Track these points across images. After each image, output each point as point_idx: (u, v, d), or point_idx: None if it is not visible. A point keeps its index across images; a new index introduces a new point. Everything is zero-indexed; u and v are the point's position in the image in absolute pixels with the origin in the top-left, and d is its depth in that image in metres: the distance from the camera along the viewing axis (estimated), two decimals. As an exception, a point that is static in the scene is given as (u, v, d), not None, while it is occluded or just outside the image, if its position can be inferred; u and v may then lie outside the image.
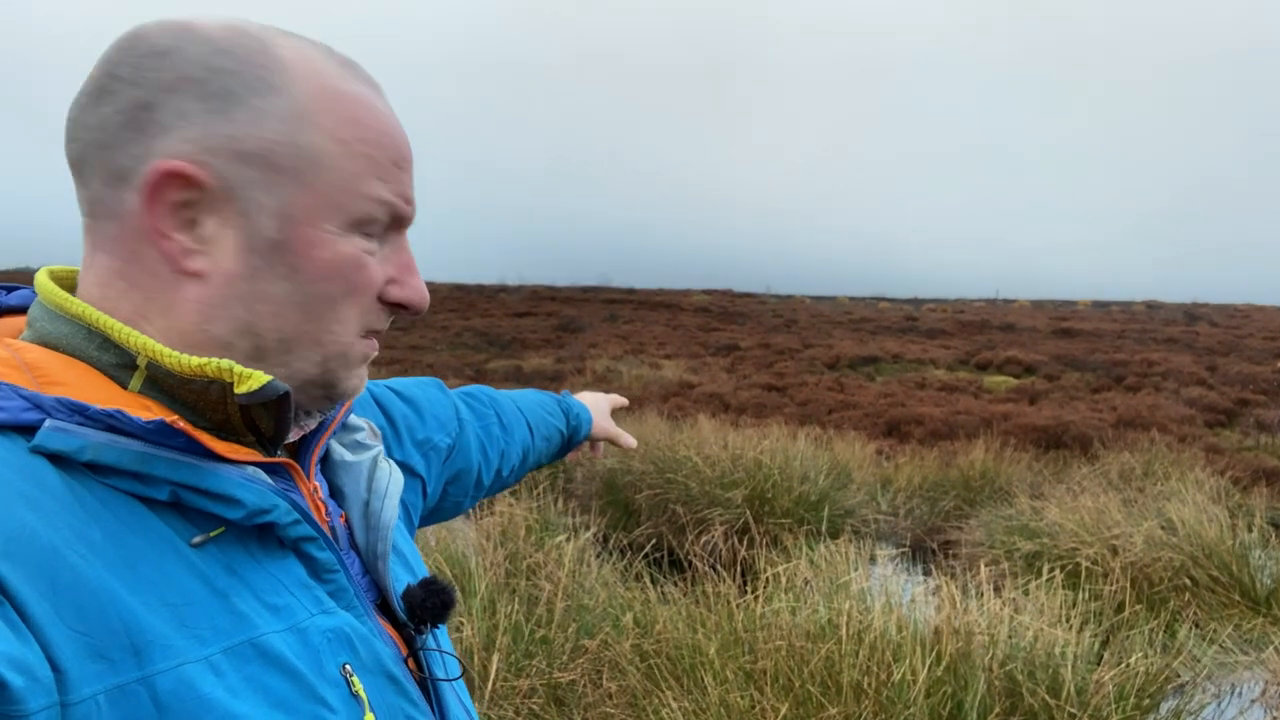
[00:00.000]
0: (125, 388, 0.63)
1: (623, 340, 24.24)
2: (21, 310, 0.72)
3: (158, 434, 0.59)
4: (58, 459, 0.57)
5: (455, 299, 36.96)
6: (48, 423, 0.57)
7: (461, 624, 3.60)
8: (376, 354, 0.74)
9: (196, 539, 0.61)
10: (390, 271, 0.71)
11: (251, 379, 0.62)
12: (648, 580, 4.14)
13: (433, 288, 42.47)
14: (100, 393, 0.62)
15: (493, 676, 3.31)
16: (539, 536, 4.61)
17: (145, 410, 0.61)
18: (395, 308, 0.72)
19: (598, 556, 4.67)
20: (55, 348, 0.64)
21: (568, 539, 4.40)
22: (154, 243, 0.64)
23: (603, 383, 15.64)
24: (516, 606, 3.79)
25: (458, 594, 0.80)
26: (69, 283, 0.69)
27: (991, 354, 20.97)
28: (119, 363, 0.64)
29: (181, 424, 0.59)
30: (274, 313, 0.66)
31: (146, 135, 0.63)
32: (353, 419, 0.84)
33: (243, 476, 0.63)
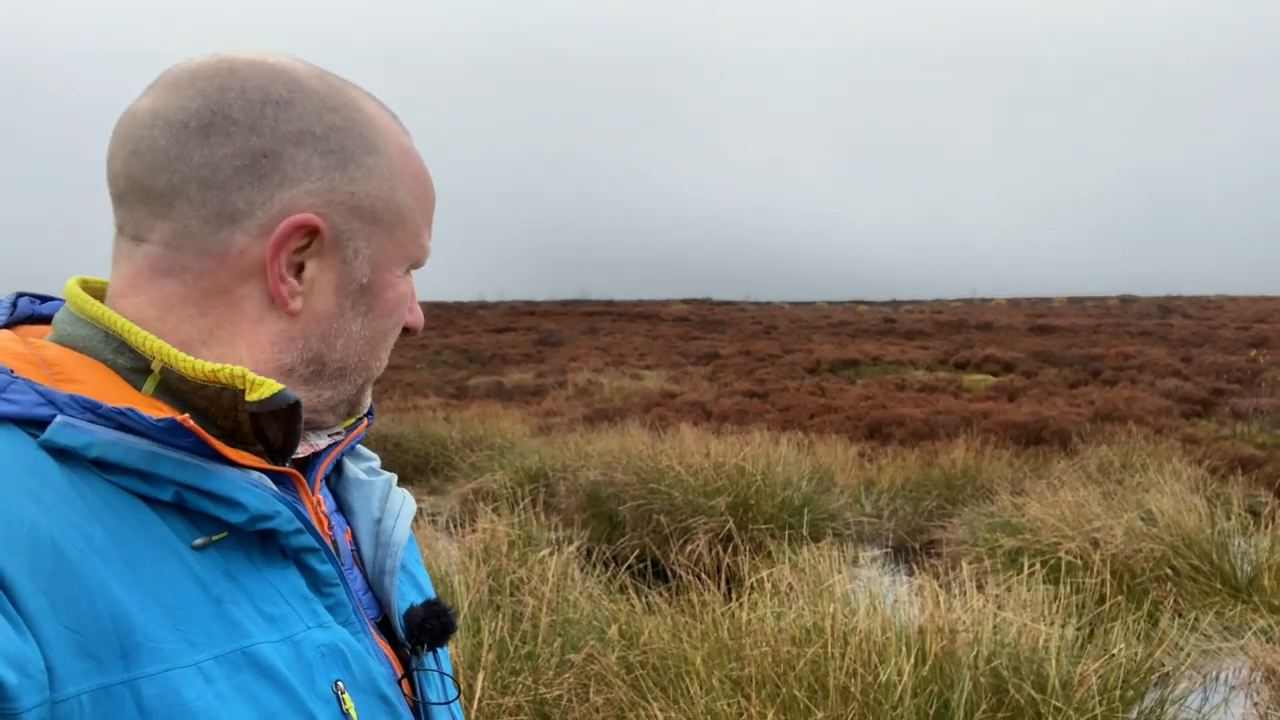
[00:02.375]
0: (139, 391, 0.64)
1: (603, 352, 24.23)
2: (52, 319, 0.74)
3: (167, 432, 0.60)
4: (64, 456, 0.58)
5: (434, 317, 36.83)
6: (58, 418, 0.58)
7: (445, 643, 3.56)
8: None
9: (198, 541, 0.61)
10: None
11: (263, 386, 0.63)
12: (632, 592, 4.13)
13: (411, 306, 42.25)
14: (114, 392, 0.63)
15: (478, 695, 3.28)
16: (522, 552, 4.58)
17: (156, 411, 0.62)
18: (404, 331, 0.79)
19: (582, 570, 4.65)
20: (74, 349, 0.65)
21: (551, 553, 4.38)
22: (262, 283, 0.67)
23: (584, 395, 15.61)
24: (501, 623, 3.77)
25: (457, 617, 0.81)
26: (98, 293, 0.71)
27: (970, 353, 21.12)
28: (133, 366, 0.65)
29: (191, 423, 0.60)
30: (345, 345, 0.72)
31: (268, 183, 0.66)
32: (365, 450, 0.86)
33: (247, 481, 0.63)
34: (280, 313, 0.68)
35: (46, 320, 0.72)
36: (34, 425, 0.58)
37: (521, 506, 5.50)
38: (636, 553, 5.78)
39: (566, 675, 3.57)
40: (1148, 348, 21.01)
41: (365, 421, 0.84)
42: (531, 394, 16.40)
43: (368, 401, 0.79)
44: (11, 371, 0.60)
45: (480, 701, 3.29)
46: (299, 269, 0.68)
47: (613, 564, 4.92)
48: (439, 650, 0.80)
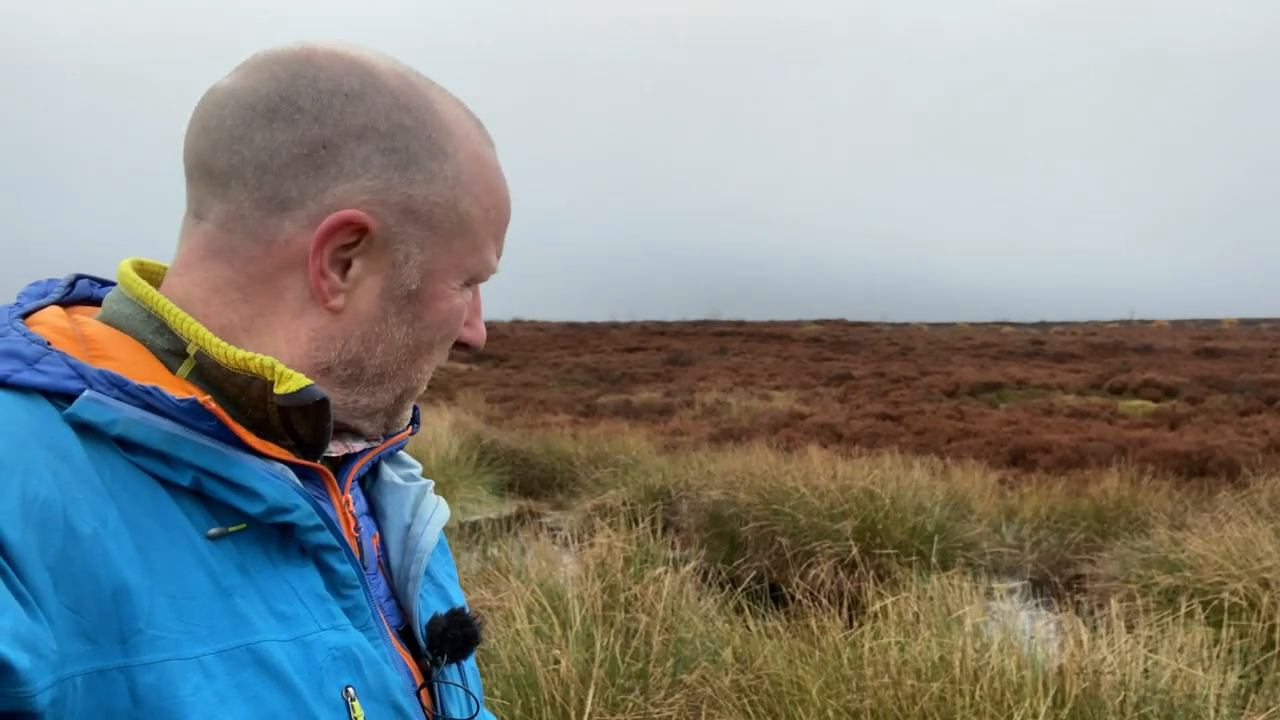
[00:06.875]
0: (174, 373, 0.64)
1: (732, 372, 24.09)
2: None
3: (189, 413, 0.59)
4: (87, 432, 0.57)
5: (567, 336, 37.60)
6: (85, 393, 0.57)
7: (558, 656, 3.56)
8: None
9: (213, 531, 0.60)
10: (466, 314, 0.75)
11: (291, 380, 0.62)
12: (749, 614, 4.01)
13: (545, 326, 43.36)
14: (147, 372, 0.63)
15: (588, 711, 3.25)
16: (638, 568, 4.54)
17: (184, 393, 0.62)
18: (459, 346, 0.76)
19: (698, 590, 4.56)
20: (117, 327, 0.66)
21: (666, 571, 4.32)
22: (305, 276, 0.66)
23: (711, 415, 15.52)
24: (613, 639, 3.73)
25: (484, 629, 0.77)
26: (156, 276, 0.71)
27: (1127, 377, 19.82)
28: (170, 348, 0.65)
29: (213, 405, 0.59)
30: (386, 351, 0.70)
31: (324, 175, 0.65)
32: (407, 456, 0.84)
33: (268, 471, 0.62)
34: (321, 309, 0.67)
35: (101, 304, 0.72)
36: (63, 398, 0.58)
37: (642, 524, 5.47)
38: (754, 574, 5.65)
39: (678, 696, 3.49)
40: (1333, 373, 19.13)
41: (410, 429, 0.82)
42: (659, 413, 16.43)
43: (408, 415, 0.76)
44: (49, 344, 0.60)
45: (590, 717, 3.26)
46: (345, 266, 0.67)
47: (730, 585, 4.81)
48: (465, 663, 0.77)
